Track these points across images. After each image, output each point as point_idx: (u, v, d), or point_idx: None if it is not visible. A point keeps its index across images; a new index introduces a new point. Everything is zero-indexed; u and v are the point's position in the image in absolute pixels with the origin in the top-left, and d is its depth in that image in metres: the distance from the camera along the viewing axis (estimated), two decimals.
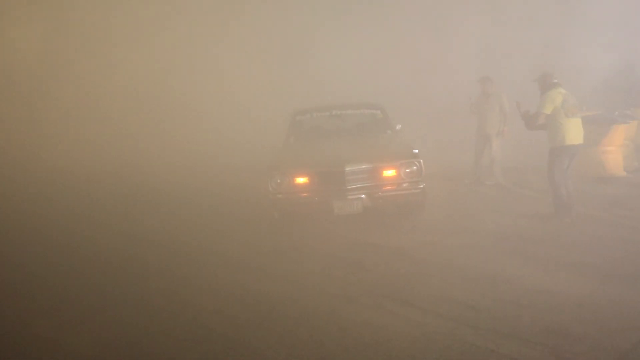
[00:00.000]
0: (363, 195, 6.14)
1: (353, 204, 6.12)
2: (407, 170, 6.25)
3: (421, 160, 6.31)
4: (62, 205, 8.82)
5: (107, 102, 14.17)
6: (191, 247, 6.34)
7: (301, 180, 6.23)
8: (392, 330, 4.08)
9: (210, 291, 5.04)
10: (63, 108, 13.91)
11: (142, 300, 4.93)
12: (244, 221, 7.28)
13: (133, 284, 5.30)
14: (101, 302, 4.90)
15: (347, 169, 6.15)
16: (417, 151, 6.42)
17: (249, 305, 4.69)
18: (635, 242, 5.64)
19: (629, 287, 4.52)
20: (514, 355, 3.63)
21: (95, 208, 8.54)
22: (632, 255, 5.22)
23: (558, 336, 3.81)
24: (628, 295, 4.39)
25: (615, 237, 5.78)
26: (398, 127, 7.61)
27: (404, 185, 6.27)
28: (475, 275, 4.96)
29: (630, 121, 8.80)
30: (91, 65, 14.01)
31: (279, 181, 6.17)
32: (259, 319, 4.40)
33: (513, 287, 4.67)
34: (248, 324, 4.34)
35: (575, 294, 4.45)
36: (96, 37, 14.18)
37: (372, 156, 6.42)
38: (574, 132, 6.33)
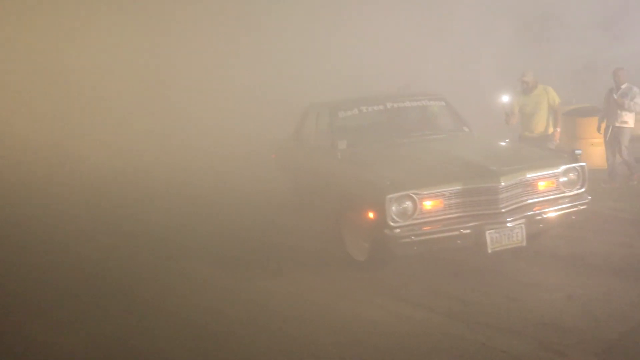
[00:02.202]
0: (523, 220, 4.62)
1: (513, 233, 4.53)
2: (565, 179, 4.87)
3: (584, 164, 4.94)
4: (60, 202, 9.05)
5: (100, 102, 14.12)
6: (186, 246, 6.37)
7: (435, 204, 4.50)
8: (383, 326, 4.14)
9: (203, 289, 5.10)
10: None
11: (133, 298, 4.97)
12: (242, 219, 7.26)
13: (125, 281, 5.36)
14: (93, 301, 4.94)
15: (502, 183, 4.52)
16: (579, 151, 4.98)
17: (240, 302, 4.75)
18: None
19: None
20: (503, 348, 3.64)
21: (93, 205, 8.66)
22: None
23: (547, 329, 3.83)
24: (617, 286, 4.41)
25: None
26: None
27: (566, 200, 4.85)
28: (464, 269, 4.98)
29: None
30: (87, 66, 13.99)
31: (406, 205, 4.45)
32: (251, 316, 4.45)
33: (503, 280, 4.71)
34: (239, 321, 4.37)
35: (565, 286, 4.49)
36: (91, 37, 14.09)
37: (523, 162, 4.90)
38: None
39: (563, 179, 4.84)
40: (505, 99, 7.31)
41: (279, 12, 14.25)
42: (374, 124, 6.46)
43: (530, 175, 4.72)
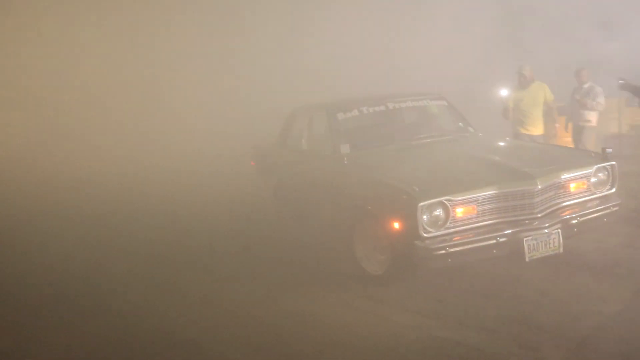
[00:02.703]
0: (559, 225, 4.26)
1: (550, 240, 4.19)
2: (595, 179, 4.57)
3: (614, 163, 4.64)
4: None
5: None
6: (164, 254, 6.20)
7: (468, 210, 4.11)
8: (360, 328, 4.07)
9: (177, 296, 4.98)
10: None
11: (105, 307, 4.85)
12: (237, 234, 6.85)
13: (97, 290, 5.25)
14: (65, 310, 4.81)
15: (539, 185, 4.17)
16: (610, 150, 4.65)
17: (214, 308, 4.65)
18: None
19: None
20: (478, 346, 3.65)
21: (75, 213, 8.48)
22: None
23: (521, 326, 3.85)
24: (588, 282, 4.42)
25: None
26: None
27: (597, 201, 4.56)
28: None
29: None
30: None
31: (438, 214, 4.04)
32: (225, 322, 4.36)
33: (478, 279, 4.64)
34: (214, 328, 4.27)
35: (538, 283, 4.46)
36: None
37: (555, 163, 4.58)
38: None
39: (594, 180, 4.56)
40: (504, 92, 7.11)
41: (260, 14, 13.82)
42: (376, 125, 6.02)
43: (564, 176, 4.41)
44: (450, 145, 5.43)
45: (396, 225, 4.24)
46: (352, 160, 5.16)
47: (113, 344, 4.17)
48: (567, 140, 8.25)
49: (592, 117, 7.72)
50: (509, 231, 4.14)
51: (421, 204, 4.00)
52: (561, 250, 4.24)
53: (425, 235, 4.04)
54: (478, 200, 4.13)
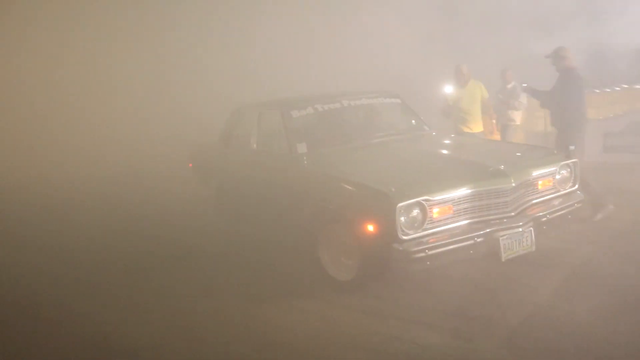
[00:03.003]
0: (531, 223, 4.17)
1: (523, 238, 4.08)
2: (559, 176, 4.52)
3: (577, 160, 4.62)
4: None
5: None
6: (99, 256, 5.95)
7: (444, 211, 3.94)
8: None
9: (116, 304, 4.72)
10: None
11: (33, 313, 4.61)
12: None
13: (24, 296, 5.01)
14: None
15: (513, 183, 4.10)
16: (573, 147, 4.66)
17: (153, 312, 4.49)
18: None
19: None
20: (415, 340, 3.71)
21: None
22: None
23: (456, 318, 3.92)
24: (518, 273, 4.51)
25: None
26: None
27: (561, 198, 4.51)
28: None
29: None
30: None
31: (415, 215, 3.84)
32: (165, 325, 4.24)
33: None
34: (151, 333, 4.12)
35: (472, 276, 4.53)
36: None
37: (525, 160, 4.53)
38: None
39: (558, 177, 4.54)
40: (448, 89, 7.11)
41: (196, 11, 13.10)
42: (331, 123, 5.75)
43: (535, 173, 4.36)
44: (411, 144, 5.30)
45: (370, 228, 4.01)
46: (312, 160, 4.89)
47: (44, 352, 3.98)
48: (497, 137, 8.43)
49: (516, 116, 7.97)
50: (485, 231, 4.02)
51: (400, 204, 3.79)
52: (534, 248, 4.18)
53: (403, 237, 3.84)
54: (454, 199, 3.99)
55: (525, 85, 6.45)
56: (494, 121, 7.58)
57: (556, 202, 4.48)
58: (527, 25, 10.71)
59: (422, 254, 3.83)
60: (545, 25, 10.42)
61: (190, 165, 7.47)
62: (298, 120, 5.42)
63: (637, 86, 11.04)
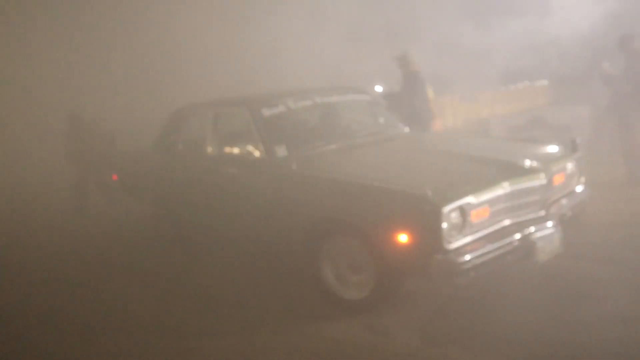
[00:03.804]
0: (557, 222, 3.81)
1: (553, 239, 3.72)
2: (569, 172, 4.25)
3: (583, 154, 4.41)
4: None
5: None
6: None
7: (481, 214, 3.50)
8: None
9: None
10: None
11: None
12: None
13: None
14: None
15: (545, 180, 3.79)
16: (580, 139, 4.41)
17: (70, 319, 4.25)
18: None
19: None
20: (331, 335, 3.69)
21: None
22: None
23: (370, 312, 3.88)
24: None
25: None
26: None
27: (575, 194, 4.28)
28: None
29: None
30: None
31: (455, 220, 3.37)
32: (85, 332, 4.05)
33: None
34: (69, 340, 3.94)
35: None
36: None
37: (542, 156, 4.15)
38: None
39: (568, 172, 4.31)
40: (378, 88, 6.83)
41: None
42: (307, 123, 5.16)
43: (555, 169, 4.07)
44: (408, 143, 4.85)
45: (402, 238, 3.48)
46: (301, 164, 4.25)
47: None
48: None
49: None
50: (523, 234, 3.66)
51: (445, 208, 3.31)
52: (562, 249, 3.89)
53: (447, 247, 3.36)
54: (492, 201, 3.58)
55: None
56: (437, 120, 7.36)
57: (571, 199, 4.24)
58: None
59: (469, 265, 3.37)
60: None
61: (115, 177, 6.43)
62: (270, 120, 4.73)
63: (538, 83, 11.62)
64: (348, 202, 3.79)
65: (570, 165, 4.26)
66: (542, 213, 3.83)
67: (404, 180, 3.67)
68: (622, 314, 3.57)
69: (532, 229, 3.69)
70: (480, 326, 3.59)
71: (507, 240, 3.58)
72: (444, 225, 3.31)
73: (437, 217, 3.29)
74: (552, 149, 4.39)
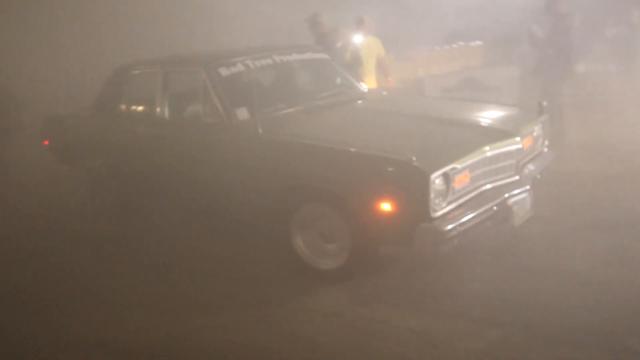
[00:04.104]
0: (529, 185, 3.76)
1: (525, 202, 3.69)
2: (535, 134, 4.18)
3: (548, 117, 4.36)
4: None
5: None
6: None
7: (462, 179, 3.40)
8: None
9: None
10: None
11: None
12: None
13: None
14: None
15: (520, 143, 3.76)
16: (546, 103, 4.34)
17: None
18: None
19: None
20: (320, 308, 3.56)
21: None
22: None
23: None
24: None
25: None
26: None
27: (541, 157, 4.24)
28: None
29: None
30: None
31: (440, 187, 3.25)
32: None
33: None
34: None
35: None
36: None
37: (512, 118, 4.11)
38: None
39: (535, 134, 4.30)
40: (357, 39, 6.65)
41: None
42: (267, 83, 4.85)
43: (526, 132, 4.04)
44: (374, 105, 4.67)
45: (385, 206, 3.34)
46: (267, 127, 3.98)
47: None
48: None
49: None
50: (500, 199, 3.62)
51: (433, 175, 3.19)
52: (532, 213, 3.90)
53: (434, 215, 3.26)
54: (473, 165, 3.50)
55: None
56: (390, 79, 7.24)
57: (539, 161, 4.24)
58: None
59: (454, 232, 3.29)
60: None
61: (46, 142, 5.88)
62: (229, 81, 4.40)
63: (472, 43, 11.71)
64: (323, 168, 3.59)
65: (537, 128, 4.24)
66: (517, 177, 3.80)
67: (384, 145, 3.52)
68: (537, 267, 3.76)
69: (508, 193, 3.66)
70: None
71: (487, 206, 3.53)
72: (432, 192, 3.20)
73: (424, 185, 3.17)
74: (519, 112, 4.36)
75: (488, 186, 3.63)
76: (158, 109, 4.69)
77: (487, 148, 3.56)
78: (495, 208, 3.56)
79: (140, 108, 5.03)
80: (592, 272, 3.65)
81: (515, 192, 3.69)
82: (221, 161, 4.17)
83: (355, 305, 3.52)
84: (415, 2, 11.53)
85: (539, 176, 4.05)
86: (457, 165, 3.34)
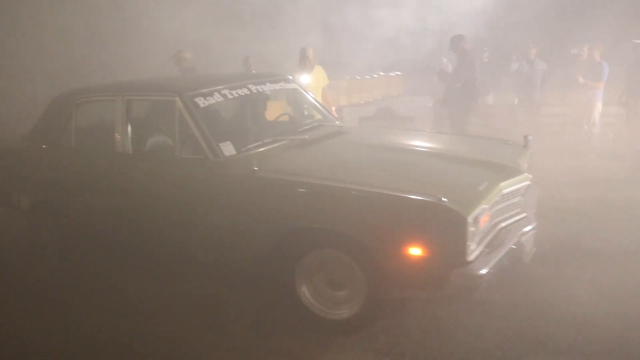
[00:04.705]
0: (534, 222, 3.69)
1: (531, 239, 3.59)
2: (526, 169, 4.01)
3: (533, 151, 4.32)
4: None
5: None
6: None
7: (485, 219, 3.19)
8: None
9: None
10: None
11: None
12: None
13: None
14: None
15: (527, 174, 3.66)
16: (531, 137, 4.28)
17: None
18: None
19: None
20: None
21: None
22: None
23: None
24: None
25: None
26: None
27: (531, 190, 3.99)
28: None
29: None
30: None
31: (473, 229, 3.00)
32: None
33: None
34: None
35: None
36: None
37: (507, 154, 4.00)
38: None
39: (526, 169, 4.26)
40: (305, 79, 6.47)
41: None
42: (245, 115, 4.45)
43: (524, 167, 3.97)
44: (367, 138, 4.42)
45: (414, 251, 3.10)
46: (262, 165, 3.59)
47: None
48: None
49: None
50: (517, 236, 3.51)
51: (470, 217, 3.00)
52: (535, 248, 3.84)
53: (469, 259, 3.06)
54: (493, 204, 3.36)
55: None
56: (334, 108, 7.09)
57: (533, 196, 4.19)
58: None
59: (487, 276, 3.11)
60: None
61: None
62: (208, 112, 4.00)
63: (392, 73, 11.91)
64: (338, 210, 3.28)
65: (527, 163, 4.23)
66: (524, 214, 3.72)
67: (402, 184, 3.27)
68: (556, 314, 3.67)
69: (520, 230, 3.57)
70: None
71: (508, 244, 3.41)
72: (469, 235, 3.00)
73: (461, 228, 2.97)
74: (510, 146, 4.32)
75: (503, 224, 3.50)
76: (118, 140, 4.15)
77: (503, 185, 3.45)
78: (513, 246, 3.44)
79: (94, 139, 4.43)
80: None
81: (527, 229, 3.60)
82: (203, 201, 3.73)
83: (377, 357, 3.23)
84: (343, 32, 11.58)
85: (534, 210, 4.02)
86: (486, 205, 3.19)
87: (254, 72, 7.34)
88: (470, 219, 2.99)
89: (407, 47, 11.78)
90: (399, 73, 12.08)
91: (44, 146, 4.57)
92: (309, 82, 6.57)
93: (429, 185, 3.24)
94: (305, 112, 4.89)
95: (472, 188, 3.28)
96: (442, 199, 3.01)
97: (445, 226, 3.01)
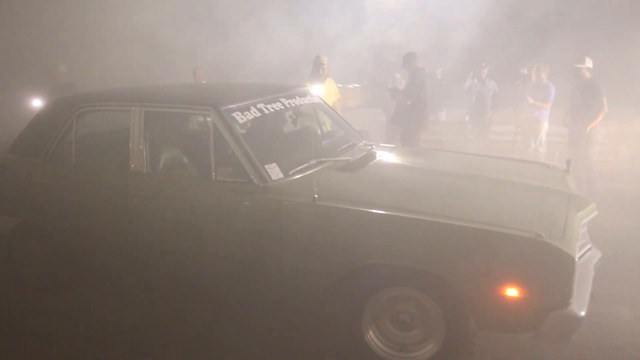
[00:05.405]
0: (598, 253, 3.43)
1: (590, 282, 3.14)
2: None
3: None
4: None
5: None
6: None
7: None
8: None
9: None
10: None
11: None
12: None
13: None
14: None
15: (595, 210, 3.43)
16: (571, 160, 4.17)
17: None
18: None
19: None
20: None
21: None
22: None
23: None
24: None
25: None
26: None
27: None
28: None
29: None
30: None
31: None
32: None
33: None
34: None
35: None
36: None
37: (558, 174, 3.93)
38: None
39: None
40: (317, 90, 6.11)
41: None
42: (283, 132, 4.01)
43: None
44: (406, 161, 4.10)
45: (510, 292, 2.83)
46: (321, 192, 3.19)
47: None
48: None
49: None
50: (593, 270, 3.31)
51: (577, 256, 2.77)
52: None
53: (572, 299, 2.83)
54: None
55: None
56: None
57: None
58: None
59: (585, 317, 2.89)
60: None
61: None
62: (247, 129, 3.56)
63: (350, 85, 11.73)
64: (419, 246, 2.95)
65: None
66: (590, 245, 3.56)
67: (490, 217, 3.00)
68: None
69: (593, 262, 3.39)
70: None
71: (589, 279, 3.20)
72: (576, 276, 2.77)
73: (570, 268, 2.74)
74: (556, 171, 4.16)
75: (581, 259, 3.31)
76: (135, 157, 3.60)
77: (581, 215, 3.27)
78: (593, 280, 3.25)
79: (101, 154, 3.85)
80: None
81: (596, 260, 3.44)
82: (248, 232, 3.28)
83: None
84: (304, 44, 11.31)
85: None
86: (580, 241, 2.98)
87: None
88: (578, 259, 2.76)
89: (367, 60, 11.68)
90: (357, 85, 11.93)
91: (37, 161, 3.92)
92: (321, 94, 6.16)
93: (515, 218, 2.99)
94: (339, 129, 4.55)
95: (558, 220, 3.06)
96: (542, 234, 2.77)
97: (550, 266, 2.76)
